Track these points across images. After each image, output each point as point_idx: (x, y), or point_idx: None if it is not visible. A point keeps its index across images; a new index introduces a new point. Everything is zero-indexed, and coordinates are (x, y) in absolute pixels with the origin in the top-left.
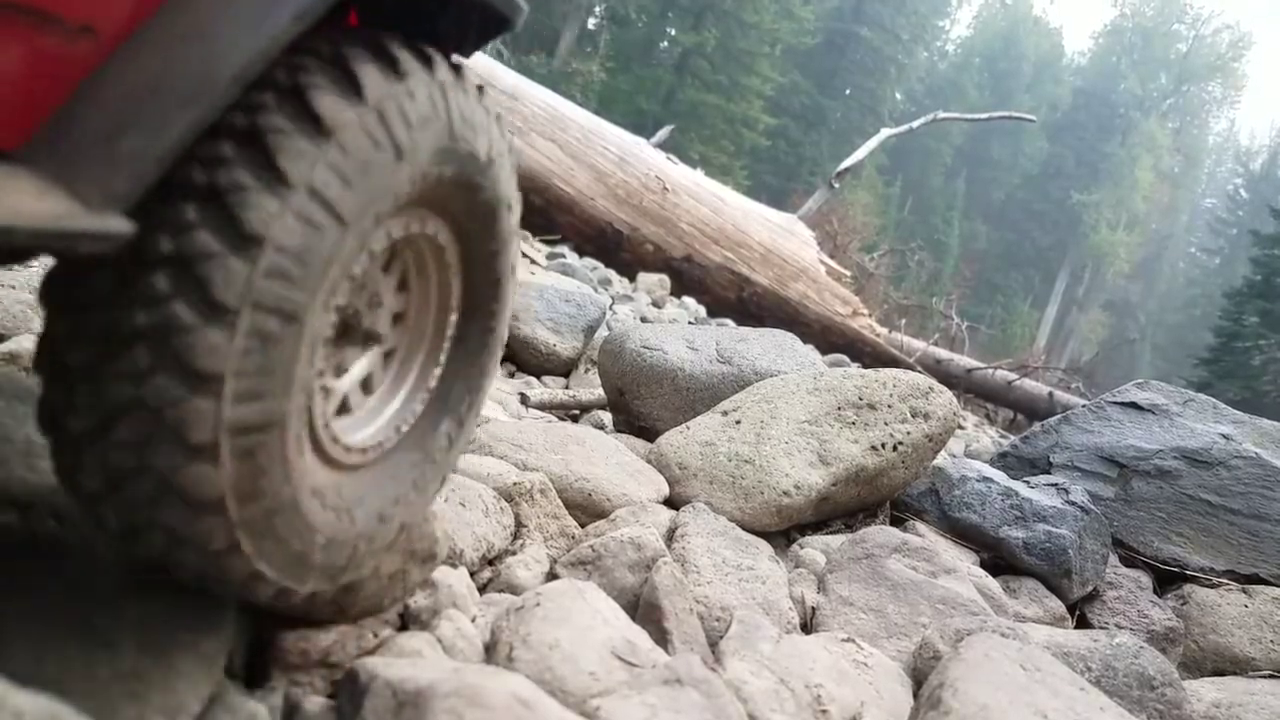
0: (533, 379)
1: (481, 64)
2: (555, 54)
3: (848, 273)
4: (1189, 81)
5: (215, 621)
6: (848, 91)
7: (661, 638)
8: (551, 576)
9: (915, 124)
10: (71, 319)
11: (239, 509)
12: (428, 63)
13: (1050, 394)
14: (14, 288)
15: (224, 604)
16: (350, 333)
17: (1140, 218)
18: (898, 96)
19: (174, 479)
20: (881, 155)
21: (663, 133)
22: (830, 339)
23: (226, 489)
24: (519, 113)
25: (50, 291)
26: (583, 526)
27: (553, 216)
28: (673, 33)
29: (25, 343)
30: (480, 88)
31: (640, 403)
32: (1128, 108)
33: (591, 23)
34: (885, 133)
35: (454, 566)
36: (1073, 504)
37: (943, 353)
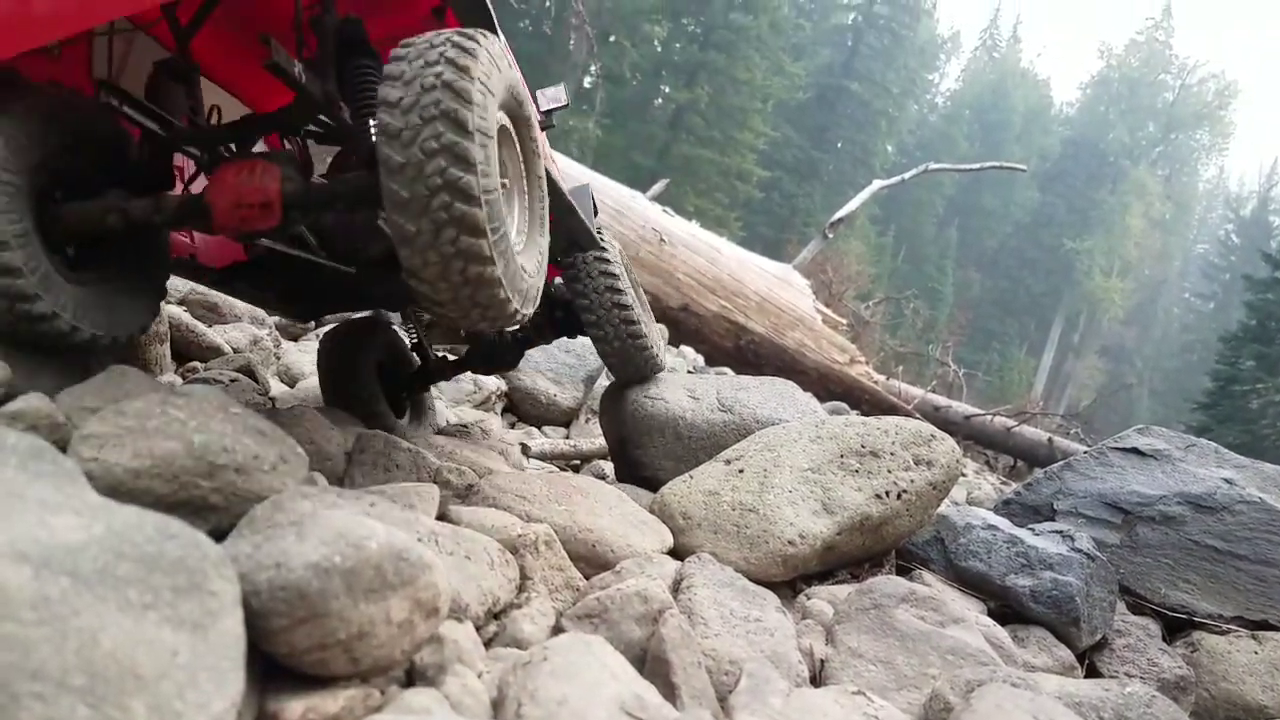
0: (534, 429)
1: None
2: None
3: (844, 321)
4: (1177, 130)
5: (224, 683)
6: (839, 145)
7: (670, 692)
8: (557, 630)
9: (907, 175)
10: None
11: (491, 235)
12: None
13: (1050, 440)
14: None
15: (235, 667)
16: None
17: (1133, 264)
18: (889, 149)
19: (467, 218)
20: (874, 206)
21: (658, 186)
22: (828, 387)
23: (485, 222)
24: None
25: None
26: (588, 578)
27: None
28: (667, 90)
29: (34, 401)
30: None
31: (642, 452)
32: (1117, 156)
33: (587, 81)
34: (877, 184)
35: (459, 621)
36: (1078, 551)
37: (941, 400)
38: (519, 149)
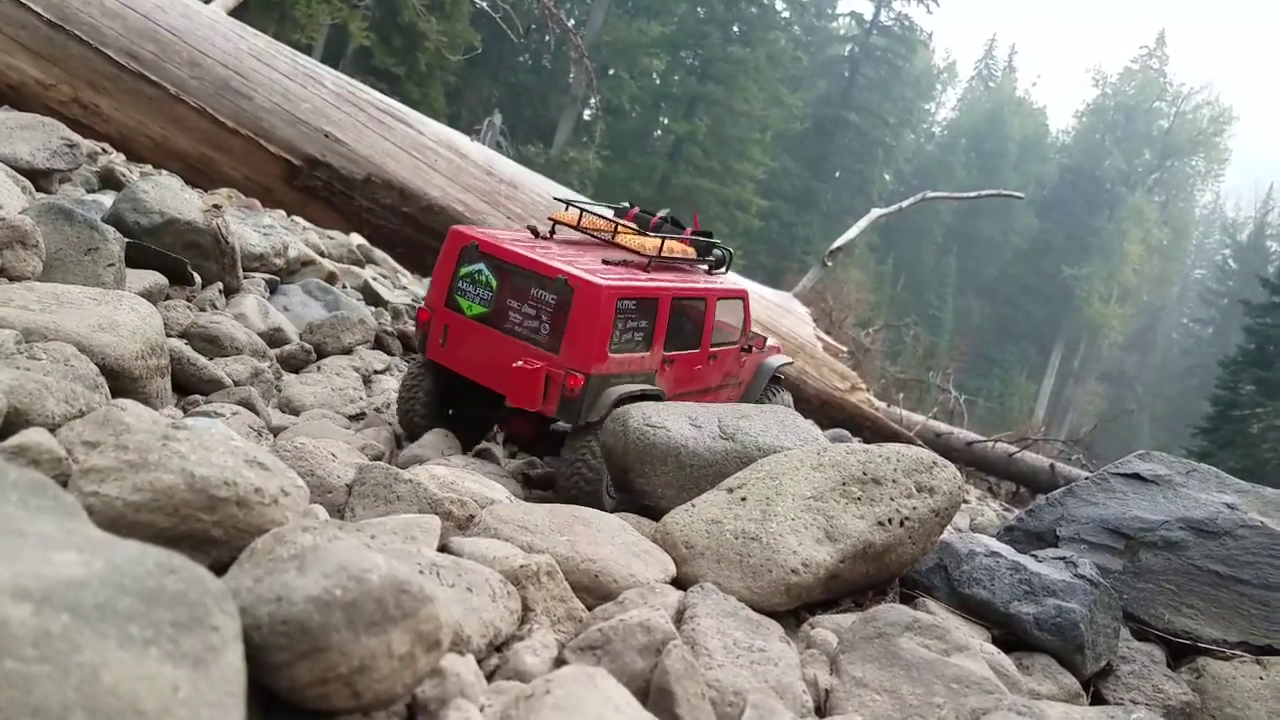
0: (535, 459)
1: (482, 155)
2: (553, 144)
3: (844, 348)
4: (1173, 156)
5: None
6: (837, 174)
7: None
8: (560, 662)
9: (905, 203)
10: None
11: (603, 477)
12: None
13: (1052, 466)
14: (28, 370)
15: (236, 703)
16: None
17: (1132, 290)
18: (886, 178)
19: (593, 482)
20: (873, 234)
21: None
22: (830, 414)
23: (604, 470)
24: (519, 200)
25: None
26: (590, 609)
27: None
28: (666, 122)
29: (35, 436)
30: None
31: (644, 481)
32: (1114, 183)
33: (587, 114)
34: (876, 212)
35: (461, 654)
36: (1081, 577)
37: (942, 426)
38: None
